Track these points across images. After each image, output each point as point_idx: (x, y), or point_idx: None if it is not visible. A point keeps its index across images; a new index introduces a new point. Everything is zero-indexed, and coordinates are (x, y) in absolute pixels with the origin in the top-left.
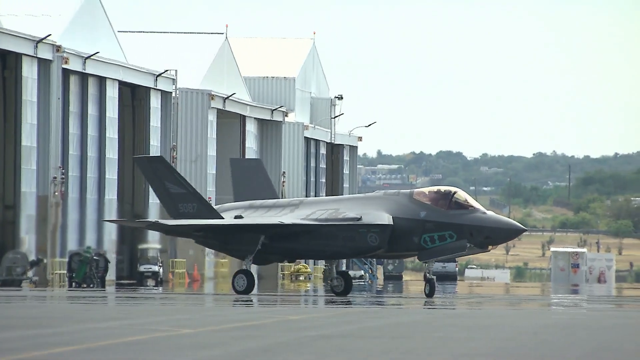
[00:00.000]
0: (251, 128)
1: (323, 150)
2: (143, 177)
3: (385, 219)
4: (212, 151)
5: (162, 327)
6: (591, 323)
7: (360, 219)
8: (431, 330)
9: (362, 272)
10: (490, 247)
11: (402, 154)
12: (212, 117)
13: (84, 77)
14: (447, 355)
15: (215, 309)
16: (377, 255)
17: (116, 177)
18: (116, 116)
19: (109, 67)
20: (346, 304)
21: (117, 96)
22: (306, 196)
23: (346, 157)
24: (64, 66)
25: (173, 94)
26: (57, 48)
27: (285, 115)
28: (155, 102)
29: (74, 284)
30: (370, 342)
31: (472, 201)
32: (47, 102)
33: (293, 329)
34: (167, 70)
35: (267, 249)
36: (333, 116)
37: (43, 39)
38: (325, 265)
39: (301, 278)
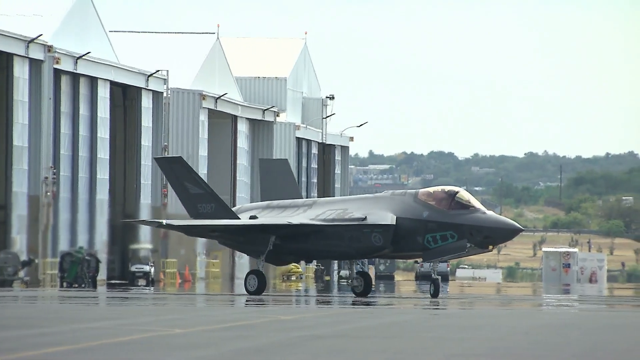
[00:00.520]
0: (243, 128)
1: (315, 150)
2: (135, 178)
3: (389, 219)
4: (203, 151)
5: (154, 327)
6: (583, 323)
7: (365, 219)
8: (423, 330)
9: None
10: (490, 247)
11: (394, 154)
12: (203, 117)
13: (75, 77)
14: (440, 355)
15: (207, 309)
16: (384, 255)
17: (107, 177)
18: (107, 116)
19: (100, 67)
20: (341, 305)
21: (108, 96)
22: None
23: (338, 157)
24: (56, 66)
25: (164, 94)
26: (49, 48)
27: (277, 116)
28: (146, 102)
29: (65, 284)
30: (362, 342)
31: (474, 201)
32: (38, 102)
33: (285, 329)
34: (158, 70)
35: (280, 249)
36: (324, 116)
37: (34, 39)
38: (316, 266)
39: (293, 278)
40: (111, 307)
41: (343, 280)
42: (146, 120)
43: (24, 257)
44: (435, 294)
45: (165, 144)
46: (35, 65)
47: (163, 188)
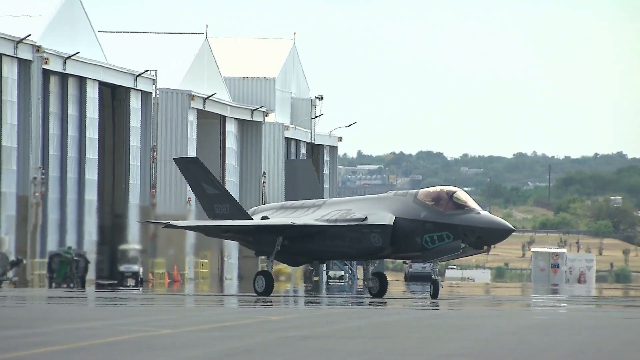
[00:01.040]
0: (231, 128)
1: (303, 151)
2: (124, 178)
3: (387, 219)
4: (192, 151)
5: (143, 328)
6: (571, 323)
7: (365, 219)
8: (412, 330)
9: (342, 273)
10: (485, 247)
11: (383, 155)
12: (192, 118)
13: (64, 77)
14: (428, 356)
15: (196, 309)
16: (385, 256)
17: (96, 178)
18: (96, 116)
19: (89, 68)
20: (330, 305)
21: (97, 96)
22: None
23: (326, 158)
24: (44, 66)
25: (153, 94)
26: (37, 48)
27: (266, 116)
28: (135, 102)
29: (53, 284)
30: (351, 342)
31: (470, 202)
32: (27, 102)
33: (274, 329)
34: (147, 71)
35: (289, 250)
36: (313, 116)
37: (23, 39)
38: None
39: (281, 278)
40: (100, 308)
41: (332, 281)
42: (135, 121)
43: (12, 257)
44: (434, 295)
45: (154, 144)
46: (24, 65)
47: (152, 188)
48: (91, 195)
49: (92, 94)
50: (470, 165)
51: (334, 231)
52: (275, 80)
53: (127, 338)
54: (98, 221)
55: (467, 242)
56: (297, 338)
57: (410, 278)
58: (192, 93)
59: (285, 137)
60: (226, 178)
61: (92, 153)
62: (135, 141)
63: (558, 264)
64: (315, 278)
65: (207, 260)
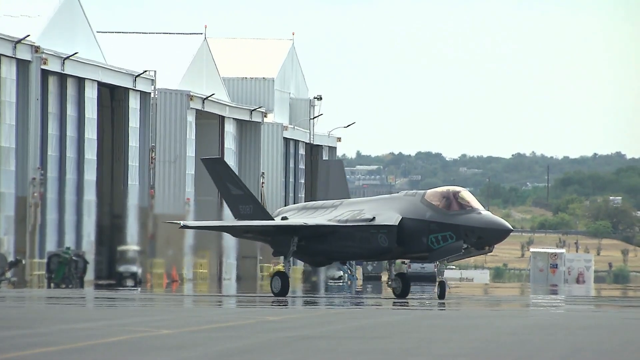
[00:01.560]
0: (230, 129)
1: (302, 151)
2: (123, 179)
3: (393, 219)
4: (191, 152)
5: (141, 328)
6: (570, 324)
7: (373, 219)
8: (410, 330)
9: (341, 273)
10: (487, 247)
11: (381, 155)
12: (191, 118)
13: (62, 77)
14: (426, 356)
15: (194, 310)
16: (393, 256)
17: (95, 178)
18: (95, 117)
19: (87, 68)
20: (328, 305)
21: (96, 97)
22: (285, 197)
23: (325, 158)
24: (43, 67)
25: (152, 95)
26: (36, 49)
27: (264, 116)
28: (134, 102)
29: (52, 284)
30: (349, 342)
31: (473, 201)
32: (25, 102)
33: (272, 329)
34: (146, 71)
35: (306, 250)
36: (312, 117)
37: (22, 39)
38: (304, 266)
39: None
40: (99, 308)
41: (331, 281)
42: (133, 121)
43: (11, 257)
44: (441, 296)
45: (153, 144)
46: (22, 65)
47: (150, 189)
48: (90, 195)
49: (91, 94)
50: (469, 165)
51: (345, 231)
52: (274, 81)
53: (126, 338)
54: (97, 221)
55: (468, 243)
56: (295, 338)
57: (409, 278)
58: (191, 93)
59: (284, 138)
60: None
61: (90, 153)
62: (134, 141)
63: (557, 264)
64: (314, 278)
65: (205, 261)
